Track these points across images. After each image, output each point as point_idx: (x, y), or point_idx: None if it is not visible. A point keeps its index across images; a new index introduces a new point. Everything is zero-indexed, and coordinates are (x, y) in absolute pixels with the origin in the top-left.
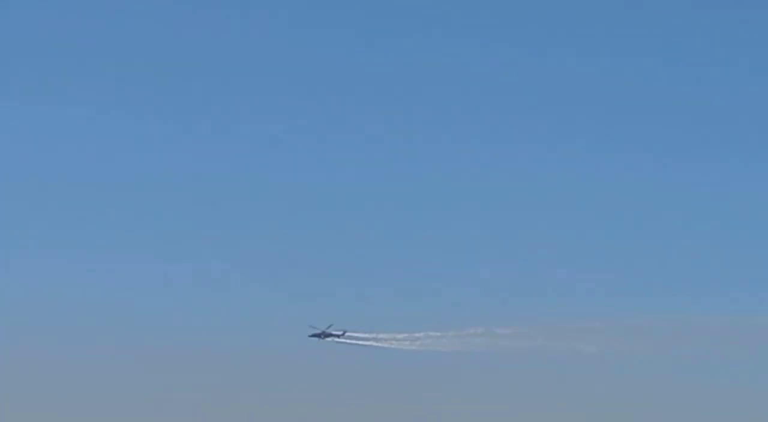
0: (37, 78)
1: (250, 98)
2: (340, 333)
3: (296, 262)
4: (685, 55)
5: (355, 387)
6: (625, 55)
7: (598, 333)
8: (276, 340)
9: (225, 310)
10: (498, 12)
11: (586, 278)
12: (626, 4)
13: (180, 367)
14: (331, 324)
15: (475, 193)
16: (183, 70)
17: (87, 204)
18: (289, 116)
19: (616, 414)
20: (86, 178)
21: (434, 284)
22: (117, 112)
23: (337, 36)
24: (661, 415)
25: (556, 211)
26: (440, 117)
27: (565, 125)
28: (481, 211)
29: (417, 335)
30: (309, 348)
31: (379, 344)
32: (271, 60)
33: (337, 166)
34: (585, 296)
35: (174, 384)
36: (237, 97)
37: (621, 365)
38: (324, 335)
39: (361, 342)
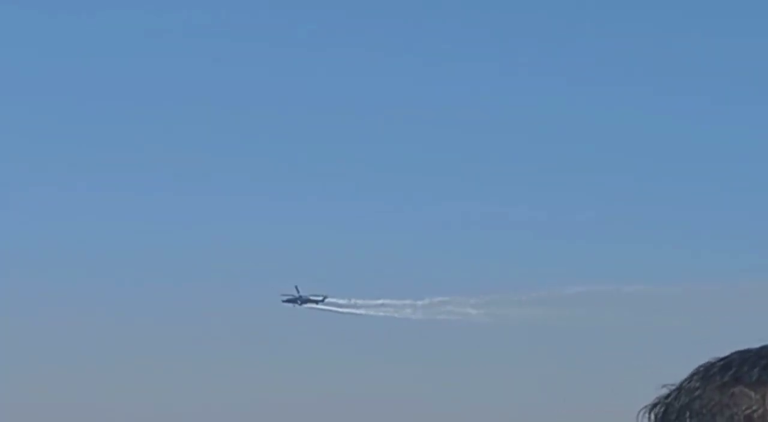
0: None
1: None
2: (319, 298)
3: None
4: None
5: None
6: None
7: None
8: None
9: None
10: None
11: None
12: None
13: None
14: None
15: None
16: None
17: None
18: None
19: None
20: None
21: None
22: None
23: None
24: None
25: None
26: None
27: None
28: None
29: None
30: (283, 315)
31: (369, 312)
32: None
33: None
34: None
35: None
36: None
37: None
38: (301, 300)
39: (346, 310)
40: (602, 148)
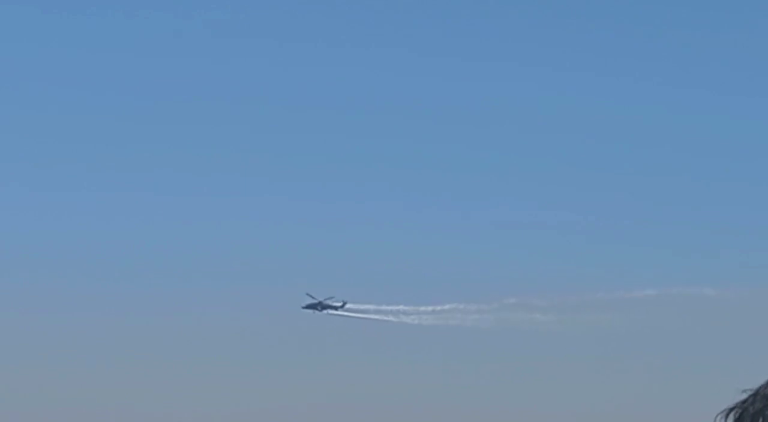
0: None
1: None
2: (339, 304)
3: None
4: None
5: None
6: None
7: None
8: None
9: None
10: None
11: None
12: None
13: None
14: (331, 296)
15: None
16: None
17: None
18: None
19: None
20: None
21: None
22: None
23: None
24: None
25: None
26: None
27: None
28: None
29: (442, 307)
30: (303, 321)
31: (387, 318)
32: None
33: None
34: None
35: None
36: None
37: None
38: (321, 306)
39: (365, 316)
40: (667, 152)
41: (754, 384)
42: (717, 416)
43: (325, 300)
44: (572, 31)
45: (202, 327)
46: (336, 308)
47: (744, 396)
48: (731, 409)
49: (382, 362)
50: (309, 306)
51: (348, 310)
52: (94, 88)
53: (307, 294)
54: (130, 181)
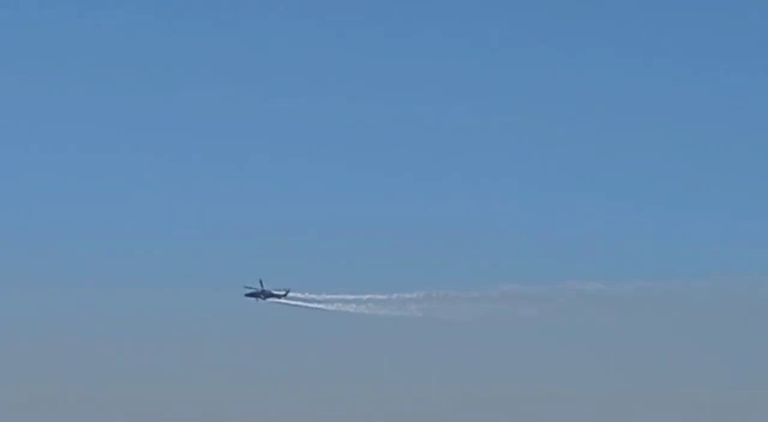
0: None
1: None
2: (282, 292)
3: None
4: None
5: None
6: None
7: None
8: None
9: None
10: None
11: None
12: None
13: None
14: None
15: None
16: None
17: None
18: None
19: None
20: None
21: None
22: None
23: None
24: None
25: None
26: None
27: None
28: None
29: (380, 297)
30: (246, 309)
31: (332, 307)
32: None
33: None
34: None
35: None
36: None
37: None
38: (264, 295)
39: (309, 305)
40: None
41: None
42: None
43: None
44: None
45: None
46: (279, 296)
47: None
48: None
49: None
50: (251, 295)
51: (291, 298)
52: None
53: (245, 287)
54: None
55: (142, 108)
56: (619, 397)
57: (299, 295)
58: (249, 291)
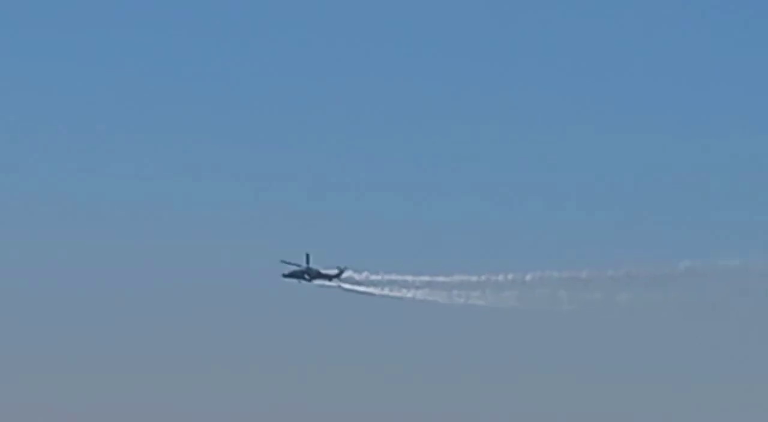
0: None
1: None
2: (334, 272)
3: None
4: None
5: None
6: None
7: None
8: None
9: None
10: None
11: None
12: None
13: None
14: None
15: None
16: None
17: None
18: None
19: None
20: None
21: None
22: None
23: None
24: None
25: None
26: None
27: None
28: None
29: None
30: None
31: (394, 293)
32: None
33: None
34: None
35: None
36: None
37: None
38: (309, 275)
39: (373, 290)
40: None
41: None
42: None
43: (313, 266)
44: None
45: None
46: (330, 278)
47: None
48: None
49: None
50: (292, 275)
51: (347, 281)
52: None
53: (283, 261)
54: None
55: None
56: None
57: (358, 277)
58: (290, 270)
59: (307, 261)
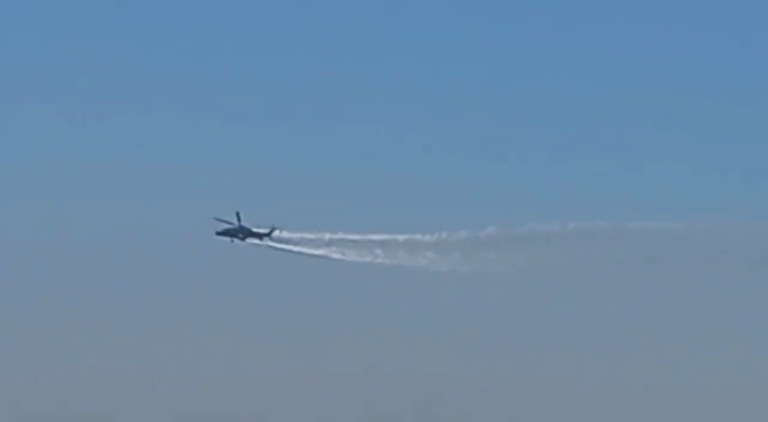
0: None
1: None
2: (265, 231)
3: None
4: None
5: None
6: None
7: None
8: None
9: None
10: None
11: None
12: None
13: None
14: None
15: None
16: None
17: None
18: None
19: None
20: None
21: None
22: None
23: None
24: None
25: None
26: None
27: None
28: None
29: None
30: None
31: (332, 255)
32: None
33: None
34: None
35: None
36: None
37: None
38: (242, 234)
39: (304, 249)
40: None
41: None
42: None
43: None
44: None
45: None
46: (262, 237)
47: None
48: None
49: None
50: (224, 233)
51: (278, 240)
52: None
53: (216, 219)
54: None
55: None
56: None
57: (288, 235)
58: (222, 228)
59: (239, 220)
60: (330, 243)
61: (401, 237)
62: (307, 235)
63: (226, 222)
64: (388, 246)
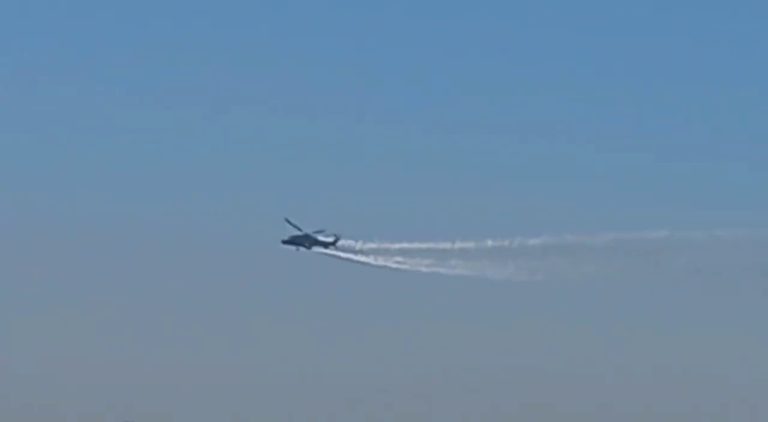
0: None
1: None
2: (331, 239)
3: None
4: None
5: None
6: None
7: None
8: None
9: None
10: None
11: None
12: None
13: None
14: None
15: None
16: None
17: None
18: None
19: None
20: None
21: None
22: None
23: None
24: None
25: None
26: None
27: None
28: None
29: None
30: (281, 260)
31: (390, 264)
32: None
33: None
34: None
35: None
36: None
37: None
38: (308, 242)
39: (362, 259)
40: None
41: None
42: None
43: (314, 233)
44: None
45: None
46: (327, 245)
47: None
48: None
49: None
50: (290, 241)
51: (342, 249)
52: None
53: (287, 221)
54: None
55: None
56: None
57: (353, 244)
58: (289, 236)
59: (298, 228)
60: (394, 253)
61: (470, 245)
62: (371, 245)
63: (296, 227)
64: (467, 254)
